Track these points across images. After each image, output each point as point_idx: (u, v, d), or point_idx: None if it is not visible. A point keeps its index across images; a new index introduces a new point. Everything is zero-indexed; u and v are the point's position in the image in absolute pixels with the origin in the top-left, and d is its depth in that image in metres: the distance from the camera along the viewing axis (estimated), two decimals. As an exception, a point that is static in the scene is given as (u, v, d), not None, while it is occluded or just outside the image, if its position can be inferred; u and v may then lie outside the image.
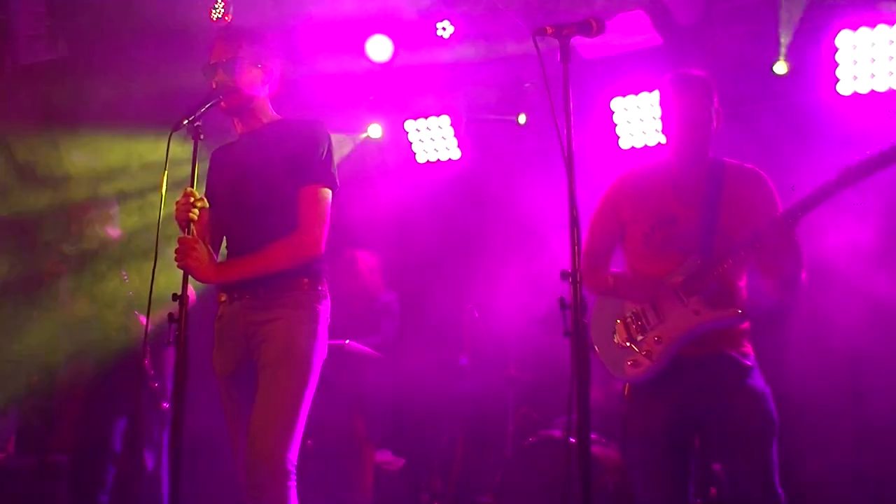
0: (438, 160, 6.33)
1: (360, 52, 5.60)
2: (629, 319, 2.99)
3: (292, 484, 2.83)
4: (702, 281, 2.87)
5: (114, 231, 4.76)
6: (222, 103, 3.04)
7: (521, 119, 5.92)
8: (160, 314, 4.42)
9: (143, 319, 4.47)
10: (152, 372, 4.50)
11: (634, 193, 3.10)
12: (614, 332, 3.01)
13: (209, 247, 3.04)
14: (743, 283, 2.98)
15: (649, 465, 2.92)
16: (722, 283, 2.86)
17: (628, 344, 2.96)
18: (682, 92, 3.00)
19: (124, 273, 4.44)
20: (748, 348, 2.96)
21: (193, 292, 4.29)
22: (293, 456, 2.85)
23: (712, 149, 3.06)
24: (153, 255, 2.83)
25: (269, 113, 3.20)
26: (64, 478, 5.05)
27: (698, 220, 2.95)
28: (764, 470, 2.78)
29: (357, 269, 5.62)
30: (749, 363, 2.93)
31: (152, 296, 2.76)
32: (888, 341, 4.61)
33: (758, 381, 2.90)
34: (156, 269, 2.80)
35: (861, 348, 4.64)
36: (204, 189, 3.08)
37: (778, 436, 2.84)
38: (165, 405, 4.53)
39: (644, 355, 2.91)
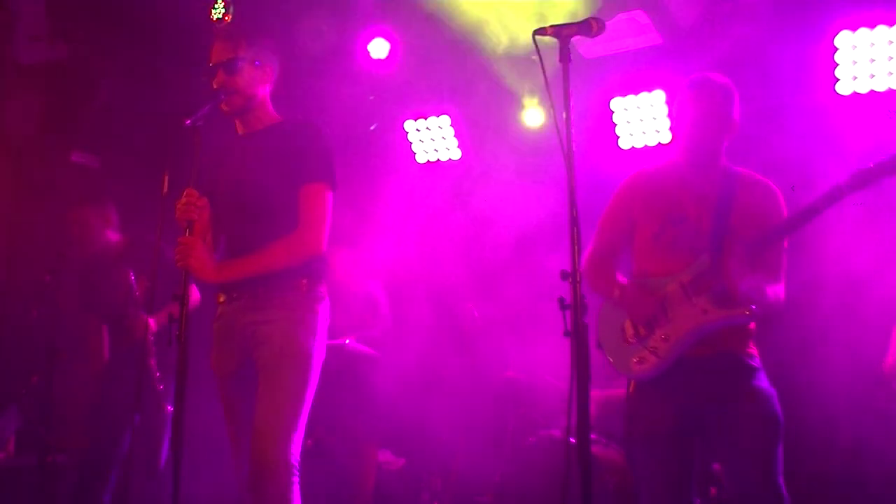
0: (438, 160, 6.33)
1: (361, 51, 5.60)
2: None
3: (296, 479, 2.85)
4: (710, 280, 2.87)
5: (113, 234, 4.76)
6: (223, 104, 3.05)
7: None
8: (165, 314, 4.44)
9: (151, 321, 4.46)
10: (158, 374, 4.49)
11: (647, 192, 3.09)
12: (622, 330, 3.01)
13: (209, 246, 3.04)
14: (749, 284, 2.97)
15: (654, 464, 2.92)
16: (730, 282, 2.85)
17: (635, 341, 2.97)
18: (699, 96, 2.99)
19: (132, 274, 4.43)
20: (753, 349, 2.96)
21: (198, 294, 4.31)
22: (296, 452, 2.87)
23: (725, 156, 3.06)
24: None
25: (270, 113, 3.21)
26: (64, 477, 5.04)
27: (709, 221, 2.95)
28: (768, 470, 2.77)
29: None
30: (754, 364, 2.93)
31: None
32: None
33: (763, 382, 2.90)
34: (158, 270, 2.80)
35: (863, 351, 4.63)
36: (204, 189, 3.08)
37: (783, 437, 2.84)
38: (169, 408, 4.51)
39: (651, 352, 2.92)
